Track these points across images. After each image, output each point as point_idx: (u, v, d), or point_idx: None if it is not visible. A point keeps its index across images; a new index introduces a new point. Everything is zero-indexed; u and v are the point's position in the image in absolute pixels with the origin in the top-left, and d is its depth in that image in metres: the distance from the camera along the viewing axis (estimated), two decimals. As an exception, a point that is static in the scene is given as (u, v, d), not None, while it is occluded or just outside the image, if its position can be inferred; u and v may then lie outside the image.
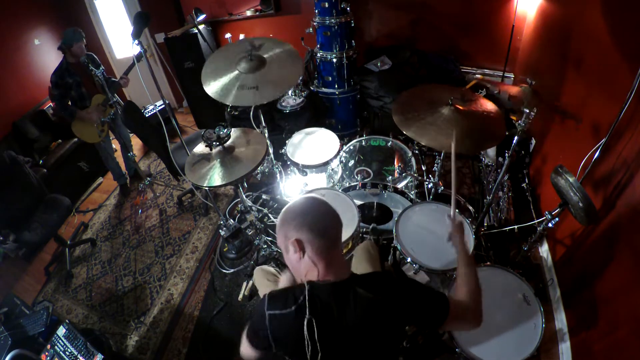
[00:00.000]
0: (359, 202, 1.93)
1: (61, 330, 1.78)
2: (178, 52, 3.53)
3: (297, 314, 0.89)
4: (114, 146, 3.41)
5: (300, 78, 3.37)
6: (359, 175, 2.14)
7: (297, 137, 2.53)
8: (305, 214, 0.93)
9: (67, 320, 1.82)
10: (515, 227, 2.04)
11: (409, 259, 1.57)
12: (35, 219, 2.57)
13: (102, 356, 1.67)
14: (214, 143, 1.76)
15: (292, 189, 2.55)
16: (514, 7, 2.84)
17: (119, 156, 3.54)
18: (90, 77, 2.81)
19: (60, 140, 3.51)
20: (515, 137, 1.60)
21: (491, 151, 2.64)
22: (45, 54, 3.65)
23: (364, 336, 0.92)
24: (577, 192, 1.38)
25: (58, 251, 2.96)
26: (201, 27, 3.54)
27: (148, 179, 3.46)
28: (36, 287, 2.74)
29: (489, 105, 1.71)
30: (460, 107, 1.66)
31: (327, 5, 2.75)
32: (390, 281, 0.95)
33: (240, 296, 2.26)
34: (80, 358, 1.68)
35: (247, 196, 2.91)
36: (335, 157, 2.29)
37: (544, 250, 2.20)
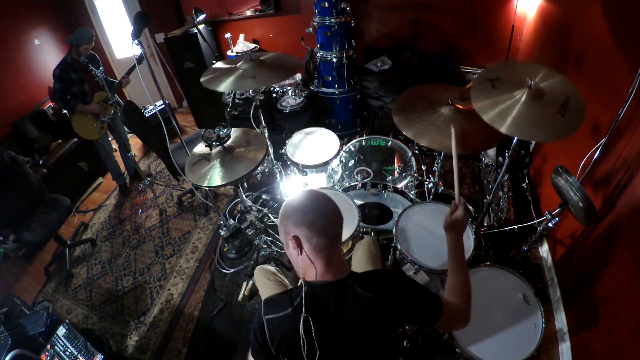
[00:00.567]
0: (359, 202, 1.93)
1: (61, 330, 1.78)
2: (178, 52, 3.53)
3: (294, 315, 0.89)
4: (113, 146, 3.42)
5: (300, 78, 3.38)
6: (359, 175, 2.14)
7: (297, 137, 2.53)
8: (305, 210, 0.92)
9: (67, 320, 1.82)
10: (515, 227, 2.04)
11: (409, 259, 1.57)
12: (35, 219, 2.57)
13: (102, 356, 1.67)
14: (214, 143, 1.76)
15: (292, 189, 2.55)
16: (514, 7, 2.84)
17: (118, 156, 3.54)
18: (90, 76, 2.83)
19: (60, 140, 3.51)
20: (515, 137, 1.59)
21: (491, 151, 2.64)
22: (45, 54, 3.65)
23: (363, 336, 0.92)
24: (577, 192, 1.38)
25: (58, 251, 2.96)
26: (201, 27, 3.54)
27: (148, 179, 3.46)
28: (36, 287, 2.74)
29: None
30: (460, 107, 1.66)
31: (327, 5, 2.75)
32: (388, 280, 0.95)
33: (240, 296, 2.26)
34: (80, 358, 1.68)
35: (247, 196, 2.92)
36: (335, 157, 2.29)
37: (544, 250, 2.20)
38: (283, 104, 3.15)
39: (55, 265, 2.88)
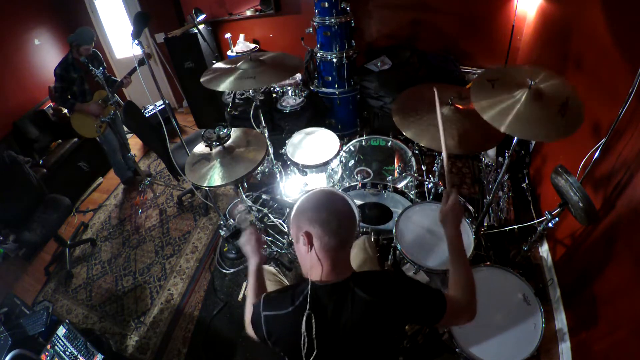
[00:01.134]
0: (359, 202, 1.93)
1: (61, 330, 1.78)
2: (178, 52, 3.53)
3: (294, 314, 0.89)
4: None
5: (300, 78, 3.38)
6: (359, 175, 2.14)
7: (297, 137, 2.53)
8: (320, 208, 0.91)
9: (67, 320, 1.82)
10: (515, 227, 2.04)
11: (409, 259, 1.57)
12: (35, 219, 2.57)
13: (102, 356, 1.67)
14: (214, 143, 1.76)
15: (292, 189, 2.55)
16: (514, 7, 2.84)
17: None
18: (92, 76, 2.83)
19: (60, 140, 3.51)
20: (515, 137, 1.59)
21: (491, 151, 2.64)
22: (45, 54, 3.65)
23: (361, 338, 0.91)
24: (577, 192, 1.38)
25: (58, 251, 2.96)
26: (201, 27, 3.54)
27: (148, 179, 3.46)
28: (36, 287, 2.74)
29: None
30: (460, 107, 1.66)
31: (327, 5, 2.75)
32: (389, 281, 0.95)
33: (240, 296, 2.26)
34: (80, 358, 1.68)
35: (247, 196, 2.91)
36: (335, 157, 2.29)
37: (544, 250, 2.20)
38: (283, 104, 3.15)
39: (55, 265, 2.88)
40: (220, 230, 2.46)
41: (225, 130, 1.80)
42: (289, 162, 2.39)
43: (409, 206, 1.81)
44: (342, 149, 2.36)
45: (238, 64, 1.88)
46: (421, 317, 0.96)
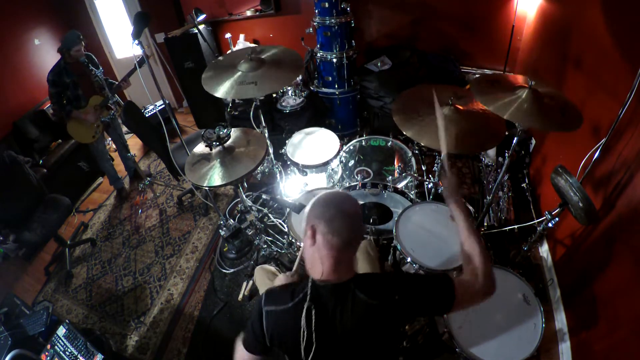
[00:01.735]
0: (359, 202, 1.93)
1: (61, 330, 1.78)
2: (178, 52, 3.53)
3: (294, 309, 0.90)
4: (112, 146, 3.41)
5: (300, 78, 3.38)
6: (359, 175, 2.14)
7: (297, 137, 2.53)
8: (328, 206, 0.93)
9: (67, 320, 1.81)
10: (515, 227, 2.04)
11: (409, 259, 1.57)
12: (35, 219, 2.57)
13: (102, 356, 1.67)
14: (214, 143, 1.76)
15: (292, 189, 2.55)
16: (514, 7, 2.84)
17: (117, 157, 3.54)
18: (88, 79, 2.81)
19: (60, 140, 3.51)
20: (515, 137, 1.60)
21: (491, 151, 2.64)
22: (45, 54, 3.65)
23: (360, 339, 0.92)
24: (577, 192, 1.38)
25: (58, 251, 2.96)
26: (201, 27, 3.54)
27: (148, 179, 3.47)
28: (36, 287, 2.74)
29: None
30: (460, 107, 1.66)
31: (327, 5, 2.75)
32: (390, 284, 0.94)
33: (240, 296, 2.26)
34: (80, 358, 1.68)
35: (247, 196, 2.92)
36: (335, 157, 2.29)
37: (544, 250, 2.20)
38: (283, 104, 3.15)
39: (55, 265, 2.88)
40: (220, 230, 2.46)
41: (225, 130, 1.80)
42: (289, 162, 2.39)
43: (409, 206, 1.81)
44: (342, 149, 2.36)
45: (238, 64, 1.88)
46: (430, 308, 0.97)
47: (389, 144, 2.34)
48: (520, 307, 1.39)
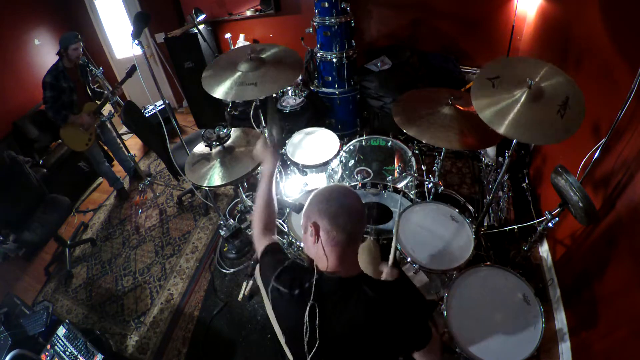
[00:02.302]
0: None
1: (61, 330, 1.78)
2: (178, 52, 3.53)
3: (299, 298, 0.89)
4: (119, 143, 3.39)
5: (300, 78, 3.38)
6: (359, 175, 2.14)
7: (297, 137, 2.53)
8: (331, 201, 0.91)
9: (67, 320, 1.82)
10: (515, 227, 2.04)
11: (409, 259, 1.57)
12: (35, 219, 2.57)
13: (102, 356, 1.67)
14: (214, 143, 1.76)
15: (292, 189, 2.55)
16: (514, 7, 2.84)
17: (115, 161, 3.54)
18: (83, 85, 2.80)
19: (60, 140, 3.51)
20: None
21: (491, 151, 2.64)
22: (45, 54, 3.64)
23: (362, 336, 0.91)
24: (577, 192, 1.38)
25: (58, 251, 2.96)
26: (201, 27, 3.54)
27: (148, 179, 3.46)
28: (36, 287, 2.74)
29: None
30: (460, 107, 1.67)
31: (327, 5, 2.75)
32: (397, 290, 0.94)
33: (240, 296, 2.25)
34: (80, 358, 1.68)
35: (247, 196, 2.91)
36: (335, 157, 2.29)
37: (544, 250, 2.20)
38: (283, 104, 3.15)
39: (55, 265, 2.88)
40: (220, 230, 2.46)
41: (225, 130, 1.80)
42: (289, 162, 2.39)
43: (409, 206, 1.81)
44: (342, 148, 2.36)
45: (237, 64, 1.87)
46: (407, 339, 0.94)
47: (389, 143, 2.34)
48: (520, 307, 1.39)
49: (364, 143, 2.39)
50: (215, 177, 1.69)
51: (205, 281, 2.47)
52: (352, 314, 0.89)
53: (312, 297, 0.87)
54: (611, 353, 1.40)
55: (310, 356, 0.88)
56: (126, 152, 3.43)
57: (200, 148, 1.86)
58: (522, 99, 1.36)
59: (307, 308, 0.86)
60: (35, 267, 2.91)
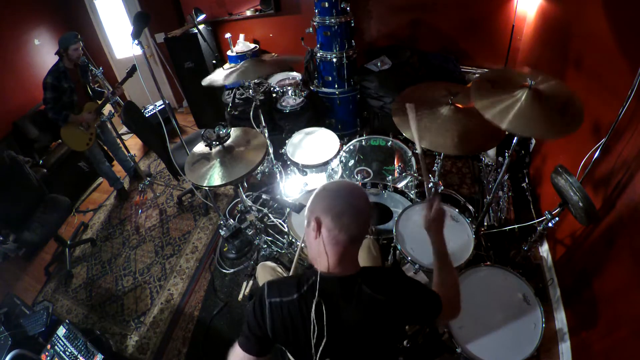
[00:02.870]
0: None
1: (61, 330, 1.78)
2: (178, 52, 3.53)
3: (299, 301, 0.88)
4: (118, 143, 3.39)
5: (300, 78, 3.38)
6: (359, 175, 2.14)
7: (297, 137, 2.53)
8: (337, 199, 0.89)
9: (67, 320, 1.82)
10: (515, 227, 2.04)
11: (409, 259, 1.57)
12: (35, 219, 2.57)
13: (102, 356, 1.67)
14: (214, 143, 1.76)
15: (292, 189, 2.55)
16: (514, 7, 2.84)
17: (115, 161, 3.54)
18: (83, 85, 2.80)
19: (60, 140, 3.51)
20: (515, 137, 1.60)
21: (491, 151, 2.64)
22: (45, 54, 3.65)
23: (363, 334, 0.92)
24: (577, 192, 1.38)
25: (58, 251, 2.96)
26: (201, 27, 3.54)
27: (148, 179, 3.47)
28: (36, 287, 2.74)
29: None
30: (460, 107, 1.66)
31: (327, 5, 2.75)
32: (396, 280, 0.95)
33: (240, 296, 2.25)
34: (80, 358, 1.68)
35: (247, 196, 2.92)
36: (335, 157, 2.29)
37: (544, 250, 2.20)
38: (283, 104, 3.15)
39: (55, 265, 2.88)
40: (220, 230, 2.46)
41: (225, 130, 1.80)
42: (289, 162, 2.39)
43: (409, 206, 1.81)
44: (342, 148, 2.36)
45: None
46: (421, 316, 0.99)
47: (389, 143, 2.34)
48: (520, 307, 1.39)
49: (364, 143, 2.39)
50: (215, 177, 1.69)
51: (205, 281, 2.47)
52: (352, 314, 0.89)
53: (316, 294, 0.86)
54: (611, 353, 1.40)
55: (318, 355, 0.88)
56: (126, 152, 3.43)
57: (200, 148, 1.86)
58: (523, 98, 1.37)
59: (313, 306, 0.85)
60: (35, 267, 2.91)
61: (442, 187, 2.22)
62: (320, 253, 0.91)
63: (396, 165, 2.18)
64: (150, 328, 2.26)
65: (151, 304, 2.41)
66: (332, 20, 2.80)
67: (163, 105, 2.66)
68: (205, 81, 2.04)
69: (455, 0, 3.09)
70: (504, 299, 1.42)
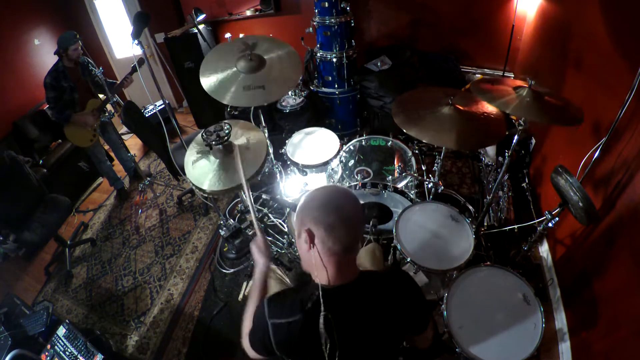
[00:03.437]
0: (359, 202, 1.92)
1: (61, 330, 1.78)
2: (178, 52, 3.53)
3: (305, 319, 0.85)
4: (120, 143, 3.39)
5: (300, 78, 3.38)
6: (359, 175, 2.14)
7: (297, 137, 2.53)
8: (329, 210, 0.84)
9: (67, 320, 1.82)
10: (515, 227, 2.04)
11: (409, 259, 1.57)
12: (35, 219, 2.57)
13: (102, 356, 1.67)
14: (214, 142, 1.75)
15: (292, 189, 2.55)
16: (514, 7, 2.84)
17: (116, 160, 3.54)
18: (84, 83, 2.81)
19: (60, 140, 3.51)
20: (515, 137, 1.60)
21: (491, 151, 2.64)
22: (45, 54, 3.65)
23: (367, 337, 0.91)
24: (577, 191, 1.38)
25: (58, 251, 2.96)
26: (201, 27, 3.54)
27: (148, 179, 3.47)
28: (36, 287, 2.74)
29: (490, 105, 1.71)
30: (461, 107, 1.66)
31: (327, 5, 2.75)
32: (396, 284, 0.95)
33: (240, 296, 2.26)
34: (80, 358, 1.68)
35: (247, 196, 2.91)
36: (335, 157, 2.29)
37: (544, 250, 2.20)
38: (283, 103, 3.15)
39: (55, 265, 2.88)
40: (220, 230, 2.45)
41: (225, 129, 1.79)
42: (289, 162, 2.39)
43: (409, 206, 1.81)
44: (342, 148, 2.36)
45: (236, 62, 1.85)
46: (410, 325, 0.98)
47: (389, 143, 2.34)
48: (520, 307, 1.39)
49: (364, 143, 2.39)
50: (215, 180, 1.68)
51: (205, 281, 2.47)
52: (355, 319, 0.89)
53: (322, 307, 0.83)
54: (611, 353, 1.40)
55: None
56: (126, 152, 3.43)
57: (198, 145, 1.86)
58: (524, 94, 1.40)
59: (321, 319, 0.82)
60: (35, 267, 2.91)
61: (442, 187, 2.22)
62: (318, 266, 0.87)
63: (396, 165, 2.18)
64: (150, 328, 2.26)
65: (151, 304, 2.41)
66: (332, 20, 2.80)
67: (163, 105, 2.66)
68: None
69: (455, 1, 3.09)
70: (504, 299, 1.42)
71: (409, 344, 1.06)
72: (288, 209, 2.26)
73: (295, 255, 2.33)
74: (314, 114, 3.22)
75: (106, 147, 3.44)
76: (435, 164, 2.15)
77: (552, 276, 2.01)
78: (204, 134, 1.67)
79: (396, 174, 2.10)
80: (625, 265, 1.40)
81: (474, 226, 1.72)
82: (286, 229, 2.50)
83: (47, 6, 3.73)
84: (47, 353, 1.74)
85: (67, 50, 2.60)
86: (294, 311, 0.87)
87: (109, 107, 3.07)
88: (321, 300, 0.84)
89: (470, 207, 2.49)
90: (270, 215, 2.69)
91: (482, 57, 3.29)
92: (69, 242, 2.88)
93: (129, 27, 3.05)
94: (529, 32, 2.90)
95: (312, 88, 3.31)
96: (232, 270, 2.48)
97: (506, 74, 3.18)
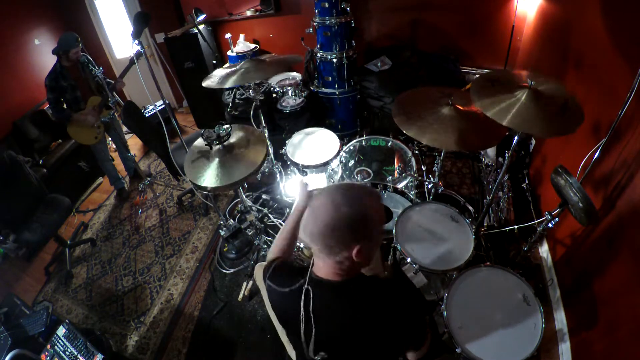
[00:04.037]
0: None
1: (61, 330, 1.78)
2: (178, 52, 3.53)
3: (291, 294, 0.94)
4: (113, 145, 3.41)
5: (300, 78, 3.38)
6: (359, 175, 2.14)
7: (297, 137, 2.53)
8: (314, 215, 0.88)
9: (67, 320, 1.82)
10: (515, 227, 2.04)
11: (408, 259, 1.57)
12: (35, 219, 2.57)
13: (102, 356, 1.67)
14: (214, 142, 1.76)
15: (292, 189, 2.55)
16: (514, 7, 2.84)
17: (117, 158, 3.54)
18: (85, 81, 2.81)
19: (60, 140, 3.51)
20: (515, 137, 1.60)
21: (491, 151, 2.64)
22: (45, 54, 3.65)
23: (355, 337, 0.91)
24: (577, 192, 1.38)
25: (58, 251, 2.96)
26: (201, 27, 3.54)
27: (148, 179, 3.47)
28: (36, 287, 2.74)
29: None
30: (461, 107, 1.67)
31: (327, 5, 2.75)
32: (395, 289, 0.95)
33: (240, 296, 2.26)
34: (80, 358, 1.68)
35: (247, 196, 2.92)
36: (335, 157, 2.29)
37: (544, 250, 2.20)
38: (283, 104, 3.15)
39: (55, 265, 2.88)
40: (220, 230, 2.46)
41: (225, 128, 1.79)
42: (289, 162, 2.39)
43: (409, 206, 1.81)
44: (342, 149, 2.36)
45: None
46: (397, 341, 0.94)
47: (389, 144, 2.34)
48: (520, 307, 1.39)
49: (364, 143, 2.39)
50: (214, 178, 1.69)
51: (205, 281, 2.47)
52: (346, 319, 0.89)
53: (306, 282, 0.92)
54: (611, 353, 1.40)
55: (310, 347, 0.91)
56: (127, 152, 3.43)
57: (200, 144, 1.86)
58: (523, 98, 1.38)
59: (302, 294, 0.90)
60: (35, 267, 2.90)
61: (442, 187, 2.22)
62: (315, 259, 0.96)
63: (396, 166, 2.18)
64: (150, 328, 2.26)
65: (151, 304, 2.41)
66: (332, 20, 2.80)
67: (163, 105, 2.66)
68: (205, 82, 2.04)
69: (455, 1, 3.09)
70: (503, 299, 1.42)
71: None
72: (288, 209, 2.26)
73: (295, 255, 2.33)
74: (314, 114, 3.22)
75: (109, 145, 3.45)
76: (435, 165, 2.15)
77: (552, 276, 2.01)
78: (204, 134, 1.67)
79: (396, 175, 2.10)
80: (625, 265, 1.40)
81: (473, 227, 1.72)
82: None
83: (47, 6, 3.73)
84: (47, 353, 1.74)
85: (67, 53, 2.63)
86: (285, 284, 0.98)
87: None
88: (307, 278, 0.93)
89: (470, 208, 2.49)
90: (270, 215, 2.69)
91: (482, 57, 3.29)
92: (69, 242, 2.88)
93: (129, 27, 3.05)
94: (529, 33, 2.90)
95: (312, 88, 3.31)
96: (232, 271, 2.48)
97: (507, 70, 3.17)
